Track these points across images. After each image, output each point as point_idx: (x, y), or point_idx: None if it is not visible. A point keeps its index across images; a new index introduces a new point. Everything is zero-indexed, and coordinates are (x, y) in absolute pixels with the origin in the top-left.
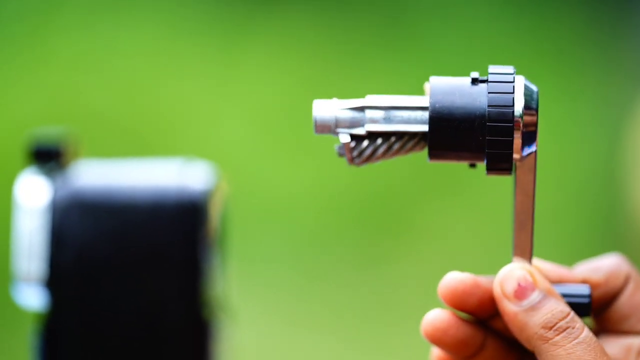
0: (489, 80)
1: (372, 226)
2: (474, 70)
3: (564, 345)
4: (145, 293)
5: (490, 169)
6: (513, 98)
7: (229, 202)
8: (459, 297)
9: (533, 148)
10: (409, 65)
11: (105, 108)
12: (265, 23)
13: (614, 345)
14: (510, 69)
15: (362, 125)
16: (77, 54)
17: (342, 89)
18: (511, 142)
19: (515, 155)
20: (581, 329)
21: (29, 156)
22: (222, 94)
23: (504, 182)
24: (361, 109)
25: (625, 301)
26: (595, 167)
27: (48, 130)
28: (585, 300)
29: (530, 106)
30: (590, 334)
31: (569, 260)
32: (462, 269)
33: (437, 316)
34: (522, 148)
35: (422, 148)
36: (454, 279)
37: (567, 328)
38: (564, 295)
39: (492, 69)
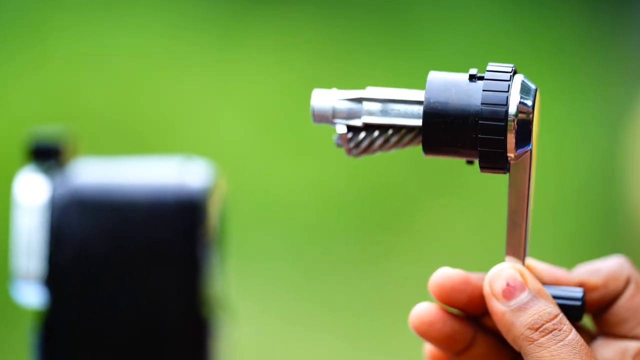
0: (485, 77)
1: (371, 224)
2: (475, 68)
3: (549, 347)
4: (145, 291)
5: (483, 167)
6: (507, 97)
7: (228, 200)
8: (448, 292)
9: (528, 147)
10: (408, 64)
11: (105, 106)
12: (264, 21)
13: (610, 348)
14: (508, 67)
15: (359, 117)
16: (76, 52)
17: (341, 87)
18: (503, 141)
19: (510, 154)
20: (568, 332)
21: (28, 154)
22: (221, 92)
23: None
24: (359, 100)
25: (623, 305)
26: (595, 166)
27: (47, 129)
28: (577, 303)
29: (525, 105)
30: (577, 337)
31: (569, 259)
32: (461, 267)
33: (424, 309)
34: (516, 147)
35: (420, 142)
36: (444, 275)
37: (554, 330)
38: (556, 297)
39: (490, 66)
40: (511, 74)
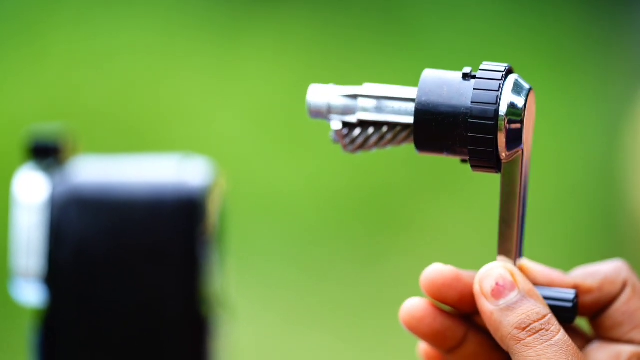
0: (476, 76)
1: (371, 223)
2: (473, 67)
3: (535, 347)
4: (144, 289)
5: (474, 165)
6: (497, 96)
7: (228, 198)
8: (439, 288)
9: (519, 147)
10: (407, 62)
11: (104, 104)
12: (262, 19)
13: (604, 352)
14: (502, 66)
15: (354, 113)
16: (75, 50)
17: (339, 85)
18: (492, 140)
19: (501, 154)
20: (555, 332)
21: (27, 152)
22: (220, 91)
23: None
24: (354, 96)
25: (618, 308)
26: (595, 166)
27: (46, 127)
28: (568, 304)
29: (516, 105)
30: (565, 338)
31: (568, 259)
32: (461, 266)
33: (414, 304)
34: (507, 147)
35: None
36: (435, 271)
37: (541, 330)
38: (547, 298)
39: (484, 65)
40: (504, 73)
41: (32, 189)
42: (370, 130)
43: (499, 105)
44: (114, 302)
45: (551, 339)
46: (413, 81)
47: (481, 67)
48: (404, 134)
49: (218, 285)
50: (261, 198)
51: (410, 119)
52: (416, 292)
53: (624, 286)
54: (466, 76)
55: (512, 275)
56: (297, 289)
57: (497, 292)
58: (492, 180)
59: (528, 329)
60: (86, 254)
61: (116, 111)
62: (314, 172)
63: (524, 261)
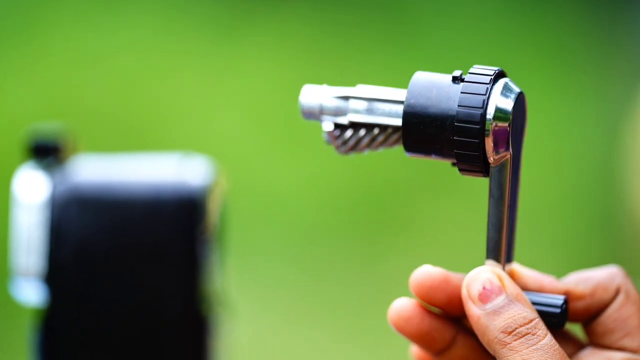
0: (464, 79)
1: (370, 222)
2: (473, 65)
3: (521, 351)
4: (144, 288)
5: (461, 169)
6: (484, 100)
7: (228, 197)
8: (427, 290)
9: (506, 151)
10: (408, 62)
11: (104, 103)
12: (262, 17)
13: (595, 358)
14: (491, 70)
15: (346, 115)
16: (75, 49)
17: (339, 84)
18: (478, 144)
19: (489, 158)
20: (542, 337)
21: (28, 151)
22: (220, 90)
23: None
24: (346, 98)
25: (610, 315)
26: (595, 166)
27: (46, 126)
28: (557, 310)
29: (504, 109)
30: (552, 343)
31: (568, 259)
32: (460, 266)
33: (402, 305)
34: (494, 151)
35: None
36: (424, 272)
37: (527, 334)
38: (536, 304)
39: (473, 69)
40: (492, 77)
41: (33, 188)
42: (362, 132)
43: (485, 109)
44: (114, 301)
45: (537, 343)
46: None
47: (470, 70)
48: (395, 136)
49: (218, 285)
50: (261, 197)
51: (400, 121)
52: None
53: (616, 293)
54: (456, 79)
55: (500, 279)
56: (296, 289)
57: (484, 296)
58: None
59: (514, 333)
60: (86, 253)
61: (116, 110)
62: (314, 171)
63: (515, 266)
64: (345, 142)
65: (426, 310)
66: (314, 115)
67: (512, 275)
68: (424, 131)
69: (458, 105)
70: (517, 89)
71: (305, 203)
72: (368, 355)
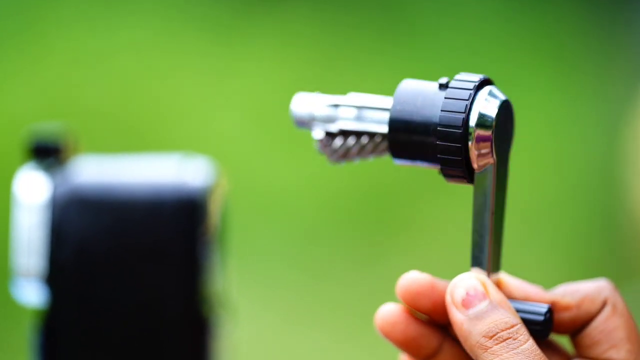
0: (449, 86)
1: (370, 223)
2: (473, 66)
3: (501, 355)
4: (145, 289)
5: (445, 175)
6: (466, 105)
7: (228, 198)
8: (413, 296)
9: (490, 157)
10: (408, 61)
11: (104, 104)
12: (263, 17)
13: None
14: (476, 77)
15: (335, 123)
16: (76, 49)
17: (340, 85)
18: (460, 149)
19: (472, 164)
20: (523, 342)
21: (28, 152)
22: (220, 91)
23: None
24: (336, 106)
25: (597, 327)
26: (595, 166)
27: (47, 127)
28: (539, 317)
29: (487, 115)
30: (533, 348)
31: (568, 259)
32: (459, 267)
33: (388, 310)
34: (477, 157)
35: None
36: (411, 279)
37: (508, 339)
38: (520, 311)
39: (459, 75)
40: (477, 83)
41: (33, 188)
42: (351, 140)
43: (468, 114)
44: (115, 302)
45: (518, 347)
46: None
47: (455, 77)
48: (384, 144)
49: (219, 285)
50: (261, 198)
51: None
52: None
53: (603, 305)
54: (442, 86)
55: (484, 285)
56: (297, 289)
57: (467, 302)
58: None
59: (495, 337)
60: (87, 254)
61: (116, 110)
62: (314, 172)
63: (502, 275)
64: (335, 151)
65: (412, 316)
66: (305, 123)
67: (498, 284)
68: (409, 137)
69: (441, 110)
70: (502, 97)
71: (305, 203)
72: (368, 355)
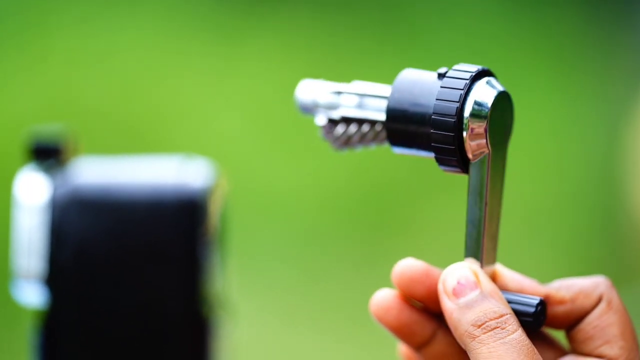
0: (446, 75)
1: (371, 223)
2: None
3: (488, 344)
4: (145, 290)
5: (440, 164)
6: (461, 94)
7: (228, 199)
8: (407, 282)
9: (484, 147)
10: (408, 62)
11: (105, 105)
12: (263, 18)
13: None
14: (474, 67)
15: (338, 109)
16: (76, 50)
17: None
18: (453, 138)
19: (467, 154)
20: (511, 332)
21: (28, 153)
22: (221, 91)
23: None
24: (339, 93)
25: (591, 322)
26: (595, 166)
27: (47, 128)
28: (531, 309)
29: (482, 104)
30: (521, 338)
31: (568, 259)
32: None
33: (383, 295)
34: (472, 146)
35: None
36: (406, 265)
37: (496, 328)
38: (511, 302)
39: (457, 66)
40: (474, 73)
41: (33, 190)
42: (353, 127)
43: (462, 103)
44: (115, 303)
45: (505, 337)
46: None
47: (454, 67)
48: (385, 133)
49: (219, 286)
50: (261, 198)
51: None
52: None
53: (598, 301)
54: (440, 76)
55: (475, 275)
56: (296, 289)
57: (458, 291)
58: None
59: (483, 326)
60: (87, 255)
61: (117, 111)
62: (314, 173)
63: (498, 267)
64: (337, 138)
65: (407, 302)
66: (308, 109)
67: (494, 276)
68: (406, 126)
69: (436, 99)
70: (500, 87)
71: (305, 204)
72: (368, 356)
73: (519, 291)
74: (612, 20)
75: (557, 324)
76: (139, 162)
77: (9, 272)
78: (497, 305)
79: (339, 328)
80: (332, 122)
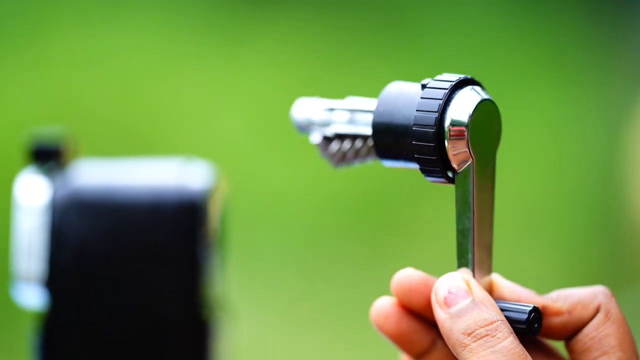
0: (427, 86)
1: (370, 225)
2: (474, 69)
3: (478, 353)
4: (145, 292)
5: (425, 175)
6: (440, 104)
7: (229, 201)
8: (406, 292)
9: (467, 157)
10: (409, 64)
11: (104, 107)
12: (264, 21)
13: None
14: (455, 76)
15: (331, 126)
16: (77, 52)
17: (341, 88)
18: (433, 148)
19: (452, 164)
20: (502, 339)
21: (29, 155)
22: (221, 93)
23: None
24: (331, 110)
25: (588, 333)
26: (595, 167)
27: (47, 130)
28: (523, 316)
29: (462, 114)
30: (512, 346)
31: (568, 259)
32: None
33: (383, 303)
34: (454, 155)
35: None
36: (405, 275)
37: (486, 336)
38: (504, 310)
39: (439, 76)
40: (454, 82)
41: (33, 192)
42: (347, 143)
43: (442, 113)
44: (115, 305)
45: (495, 345)
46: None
47: (436, 77)
48: None
49: (219, 288)
50: (261, 200)
51: None
52: None
53: (596, 311)
54: (424, 87)
55: (467, 283)
56: (296, 291)
57: (450, 300)
58: None
59: (473, 334)
60: (87, 257)
61: (118, 114)
62: (314, 174)
63: (495, 277)
64: (333, 155)
65: (406, 311)
66: (304, 128)
67: (490, 286)
68: (390, 139)
69: (416, 110)
70: (483, 95)
71: (305, 206)
72: (368, 356)
73: (516, 301)
74: (612, 21)
75: (554, 334)
76: (139, 164)
77: (9, 274)
78: (487, 313)
79: (339, 328)
80: (327, 140)
